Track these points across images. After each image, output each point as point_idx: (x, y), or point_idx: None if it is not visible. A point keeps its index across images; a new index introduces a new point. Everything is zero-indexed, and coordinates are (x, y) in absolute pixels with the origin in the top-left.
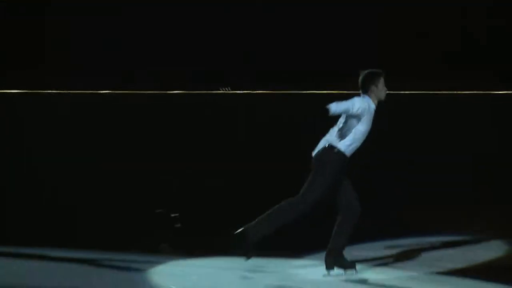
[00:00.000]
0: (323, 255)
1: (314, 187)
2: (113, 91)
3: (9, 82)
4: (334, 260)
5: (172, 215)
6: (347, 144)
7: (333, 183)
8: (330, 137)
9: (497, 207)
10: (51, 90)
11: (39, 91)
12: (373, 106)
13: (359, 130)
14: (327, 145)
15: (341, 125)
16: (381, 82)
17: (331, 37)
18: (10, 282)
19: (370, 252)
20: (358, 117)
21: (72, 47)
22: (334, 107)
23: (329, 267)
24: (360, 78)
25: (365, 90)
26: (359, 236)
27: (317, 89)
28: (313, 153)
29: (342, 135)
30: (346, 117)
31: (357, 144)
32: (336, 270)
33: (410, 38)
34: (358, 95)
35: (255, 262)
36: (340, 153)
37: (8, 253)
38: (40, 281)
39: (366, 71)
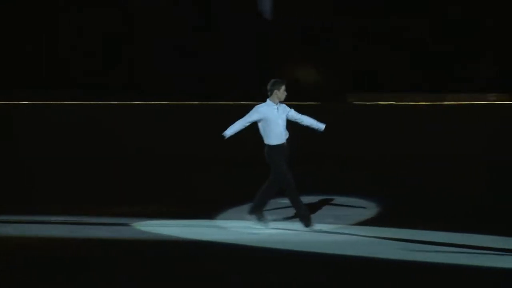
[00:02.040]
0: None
1: (276, 171)
2: None
3: None
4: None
5: None
6: (273, 139)
7: (283, 164)
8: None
9: None
10: None
11: None
12: (273, 105)
13: (270, 127)
14: (265, 145)
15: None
16: (281, 89)
17: None
18: None
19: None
20: (263, 120)
21: None
22: (229, 131)
23: (261, 218)
24: (268, 84)
25: (270, 93)
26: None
27: None
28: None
29: (266, 135)
30: (261, 122)
31: (280, 135)
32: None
33: None
34: None
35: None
36: (272, 146)
37: None
38: None
39: (272, 80)
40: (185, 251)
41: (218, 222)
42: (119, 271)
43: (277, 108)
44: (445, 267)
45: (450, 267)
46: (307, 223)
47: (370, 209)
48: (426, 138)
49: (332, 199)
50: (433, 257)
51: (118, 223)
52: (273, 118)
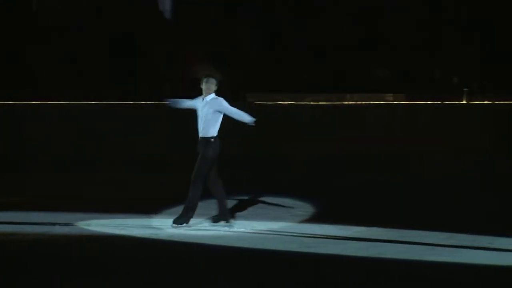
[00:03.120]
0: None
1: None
2: None
3: None
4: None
5: None
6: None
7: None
8: None
9: None
10: None
11: None
12: (201, 98)
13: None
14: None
15: None
16: (202, 84)
17: None
18: None
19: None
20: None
21: None
22: (173, 101)
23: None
24: None
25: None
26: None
27: None
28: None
29: None
30: None
31: (199, 129)
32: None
33: None
34: None
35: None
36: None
37: None
38: None
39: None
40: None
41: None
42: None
43: (202, 101)
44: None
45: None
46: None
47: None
48: (323, 137)
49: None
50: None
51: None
52: (197, 110)
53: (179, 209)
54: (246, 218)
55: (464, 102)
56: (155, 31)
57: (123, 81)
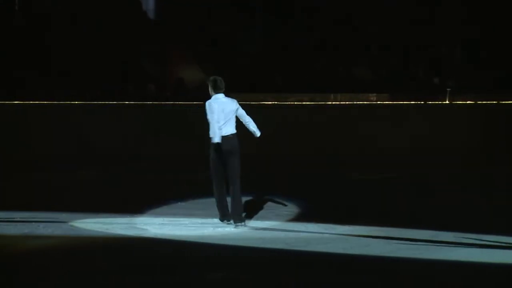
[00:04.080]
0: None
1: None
2: None
3: None
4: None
5: None
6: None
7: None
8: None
9: None
10: None
11: None
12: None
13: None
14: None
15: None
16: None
17: None
18: None
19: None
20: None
21: None
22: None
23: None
24: None
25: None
26: None
27: None
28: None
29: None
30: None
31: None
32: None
33: None
34: None
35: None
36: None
37: None
38: None
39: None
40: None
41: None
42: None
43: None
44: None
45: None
46: None
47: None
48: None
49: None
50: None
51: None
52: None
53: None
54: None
55: (447, 102)
56: (139, 30)
57: (109, 81)
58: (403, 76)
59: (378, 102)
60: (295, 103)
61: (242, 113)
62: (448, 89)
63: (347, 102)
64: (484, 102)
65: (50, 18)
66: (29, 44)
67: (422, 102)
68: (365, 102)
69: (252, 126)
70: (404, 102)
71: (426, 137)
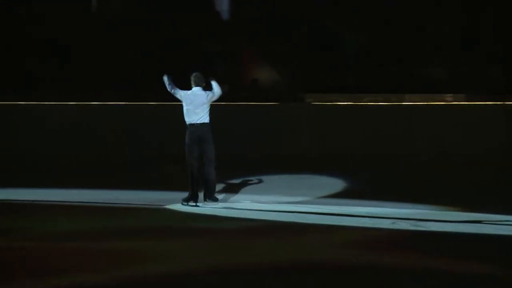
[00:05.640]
0: None
1: (212, 147)
2: None
3: None
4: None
5: None
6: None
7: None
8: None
9: None
10: None
11: None
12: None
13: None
14: (207, 124)
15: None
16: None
17: None
18: None
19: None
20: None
21: None
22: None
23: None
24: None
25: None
26: None
27: None
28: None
29: (208, 115)
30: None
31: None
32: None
33: None
34: None
35: None
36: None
37: None
38: None
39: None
40: None
41: None
42: None
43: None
44: None
45: None
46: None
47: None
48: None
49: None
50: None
51: None
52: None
53: None
54: None
55: None
56: (211, 30)
57: (183, 82)
58: (480, 76)
59: (454, 103)
60: (370, 103)
61: (213, 94)
62: None
63: (423, 103)
64: None
65: (118, 20)
66: (97, 45)
67: (500, 103)
68: (441, 103)
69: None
70: (481, 103)
71: (502, 138)
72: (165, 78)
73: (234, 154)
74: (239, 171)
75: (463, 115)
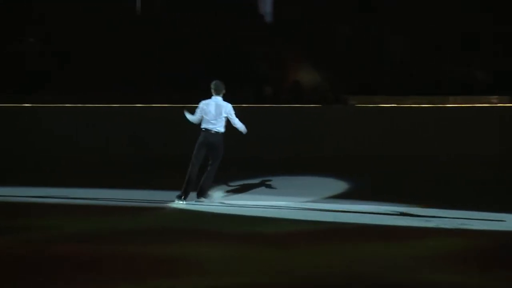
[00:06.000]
0: None
1: (221, 154)
2: None
3: None
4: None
5: None
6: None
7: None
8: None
9: None
10: None
11: None
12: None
13: (225, 119)
14: (219, 132)
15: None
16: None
17: None
18: None
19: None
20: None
21: None
22: (190, 118)
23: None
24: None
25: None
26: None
27: None
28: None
29: (222, 124)
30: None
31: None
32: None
33: None
34: None
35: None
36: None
37: None
38: None
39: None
40: None
41: None
42: None
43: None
44: None
45: None
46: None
47: None
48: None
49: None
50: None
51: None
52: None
53: None
54: None
55: None
56: (255, 33)
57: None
58: None
59: (499, 105)
60: (413, 105)
61: (231, 116)
62: None
63: (467, 105)
64: None
65: (160, 23)
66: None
67: None
68: (486, 105)
69: (238, 125)
70: None
71: None
72: (187, 116)
73: (279, 156)
74: (287, 171)
75: (509, 116)
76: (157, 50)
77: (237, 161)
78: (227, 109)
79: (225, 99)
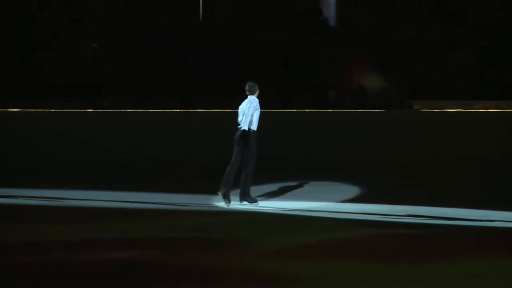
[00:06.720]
0: None
1: (252, 153)
2: None
3: None
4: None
5: None
6: (256, 126)
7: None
8: (253, 125)
9: None
10: None
11: None
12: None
13: (257, 116)
14: (249, 130)
15: (247, 117)
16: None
17: None
18: None
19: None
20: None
21: None
22: (245, 125)
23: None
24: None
25: (255, 91)
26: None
27: None
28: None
29: (253, 123)
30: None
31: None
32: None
33: None
34: None
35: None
36: (255, 132)
37: None
38: None
39: (251, 83)
40: None
41: None
42: None
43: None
44: None
45: None
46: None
47: None
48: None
49: None
50: None
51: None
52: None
53: None
54: None
55: None
56: (318, 37)
57: (285, 89)
58: None
59: None
60: (479, 110)
61: (247, 112)
62: None
63: None
64: None
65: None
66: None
67: None
68: None
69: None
70: None
71: None
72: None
73: (342, 159)
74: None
75: None
76: (220, 56)
77: (306, 163)
78: (249, 105)
79: (289, 104)
